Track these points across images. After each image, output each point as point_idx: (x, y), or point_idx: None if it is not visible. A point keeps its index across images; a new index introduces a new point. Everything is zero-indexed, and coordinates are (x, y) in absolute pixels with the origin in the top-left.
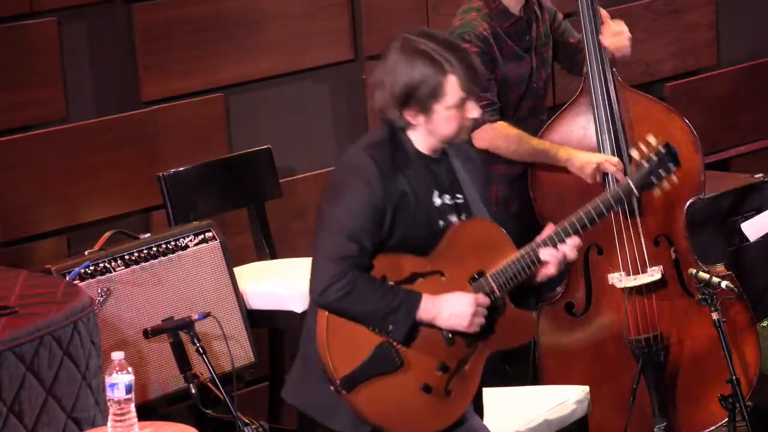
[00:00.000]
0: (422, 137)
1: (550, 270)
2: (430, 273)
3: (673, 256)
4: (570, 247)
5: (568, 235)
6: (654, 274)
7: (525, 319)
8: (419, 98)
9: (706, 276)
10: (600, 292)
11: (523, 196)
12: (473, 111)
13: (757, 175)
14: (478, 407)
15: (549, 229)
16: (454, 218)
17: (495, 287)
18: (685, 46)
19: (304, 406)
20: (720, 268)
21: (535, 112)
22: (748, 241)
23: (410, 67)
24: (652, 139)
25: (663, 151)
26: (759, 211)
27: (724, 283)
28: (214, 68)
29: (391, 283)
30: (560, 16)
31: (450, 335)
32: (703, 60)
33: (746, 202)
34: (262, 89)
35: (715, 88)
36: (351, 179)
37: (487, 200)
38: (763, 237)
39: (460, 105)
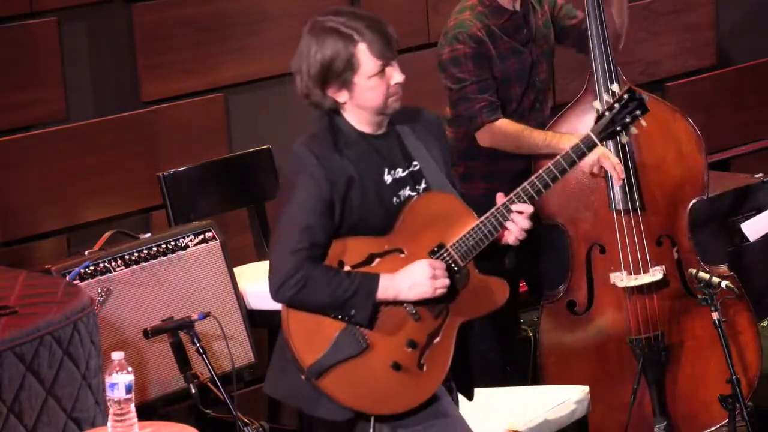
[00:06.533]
0: (356, 114)
1: (511, 237)
2: (389, 252)
3: (676, 256)
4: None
5: (532, 195)
6: (655, 274)
7: (494, 285)
8: (336, 73)
9: (706, 276)
10: (602, 291)
11: None
12: (396, 76)
13: (757, 175)
14: (468, 386)
15: (501, 198)
16: (408, 192)
17: (457, 257)
18: (685, 46)
19: (287, 398)
20: (723, 268)
21: (537, 106)
22: (748, 241)
23: (321, 45)
24: (615, 88)
25: (626, 97)
26: (759, 211)
27: (724, 283)
28: (214, 68)
29: (348, 268)
30: (560, 1)
31: (415, 311)
32: (703, 60)
33: (746, 202)
34: (262, 89)
35: (715, 88)
36: (296, 176)
37: (447, 164)
38: (763, 237)
39: (380, 72)
